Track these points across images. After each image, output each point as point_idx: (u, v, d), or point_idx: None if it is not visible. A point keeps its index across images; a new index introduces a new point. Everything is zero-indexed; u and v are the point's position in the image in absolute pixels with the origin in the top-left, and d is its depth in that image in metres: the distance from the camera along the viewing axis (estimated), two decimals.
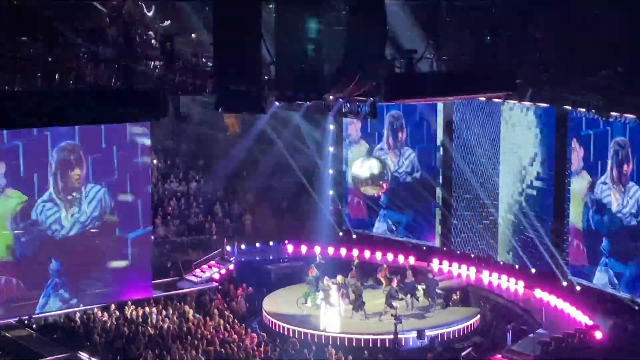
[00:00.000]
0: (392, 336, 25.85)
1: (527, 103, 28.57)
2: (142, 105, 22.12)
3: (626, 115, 25.57)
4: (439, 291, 28.72)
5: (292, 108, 28.05)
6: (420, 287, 28.42)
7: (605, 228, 27.51)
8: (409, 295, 28.09)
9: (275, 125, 33.20)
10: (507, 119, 30.22)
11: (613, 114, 25.54)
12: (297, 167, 33.58)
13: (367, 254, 32.50)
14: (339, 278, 28.39)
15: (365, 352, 25.46)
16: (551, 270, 28.89)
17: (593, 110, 25.35)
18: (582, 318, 26.49)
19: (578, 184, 28.43)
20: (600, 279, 27.64)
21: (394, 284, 28.00)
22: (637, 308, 26.24)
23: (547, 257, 28.97)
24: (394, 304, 26.84)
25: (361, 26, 21.41)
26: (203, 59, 23.55)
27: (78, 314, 26.90)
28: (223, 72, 21.10)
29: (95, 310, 27.17)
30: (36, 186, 27.21)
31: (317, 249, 32.06)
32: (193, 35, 24.67)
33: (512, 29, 24.81)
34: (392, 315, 26.30)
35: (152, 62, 23.22)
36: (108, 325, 26.16)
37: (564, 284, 28.59)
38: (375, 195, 30.85)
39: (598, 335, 24.78)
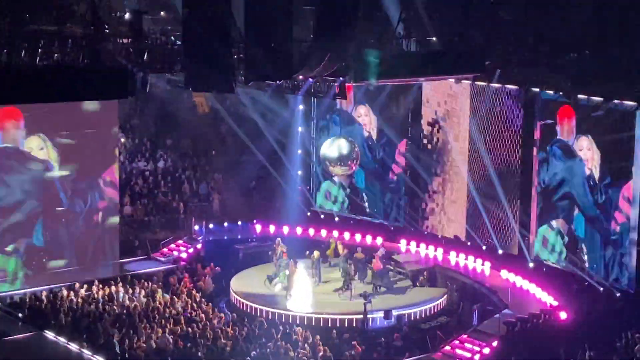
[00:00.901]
0: (360, 316, 25.97)
1: (495, 84, 28.65)
2: (109, 83, 21.93)
3: (593, 97, 25.74)
4: (394, 268, 28.86)
5: (261, 87, 27.85)
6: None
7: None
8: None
9: (244, 104, 33.03)
10: (475, 100, 30.27)
11: (580, 96, 25.68)
12: (265, 148, 33.45)
13: (335, 234, 32.50)
14: (315, 254, 28.48)
15: (334, 331, 25.55)
16: (518, 252, 29.12)
17: (561, 92, 25.48)
18: (547, 299, 26.76)
19: None
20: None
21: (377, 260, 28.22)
22: (601, 289, 26.53)
23: (515, 238, 29.19)
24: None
25: (331, 6, 21.38)
26: (172, 37, 23.37)
27: (45, 293, 26.73)
28: (192, 50, 20.98)
29: (62, 289, 27.02)
30: None
31: (286, 229, 32.05)
32: (162, 13, 24.45)
33: (481, 10, 24.86)
34: (360, 294, 26.42)
35: (120, 40, 22.98)
36: (74, 304, 26.02)
37: (531, 265, 28.83)
38: (343, 175, 30.81)
39: (563, 315, 25.06)
